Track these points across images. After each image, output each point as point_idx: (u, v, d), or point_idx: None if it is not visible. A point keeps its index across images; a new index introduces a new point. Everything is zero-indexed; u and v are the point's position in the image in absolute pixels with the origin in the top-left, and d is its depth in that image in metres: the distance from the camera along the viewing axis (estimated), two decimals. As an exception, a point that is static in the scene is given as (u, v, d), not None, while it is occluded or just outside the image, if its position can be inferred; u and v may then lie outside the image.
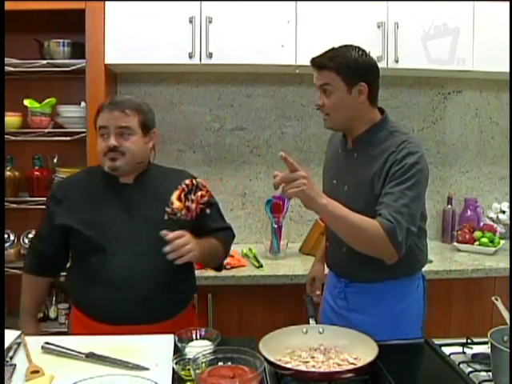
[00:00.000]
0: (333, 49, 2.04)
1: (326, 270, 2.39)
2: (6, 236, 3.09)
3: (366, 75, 2.02)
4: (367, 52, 2.06)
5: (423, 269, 2.21)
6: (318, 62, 2.02)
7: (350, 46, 2.05)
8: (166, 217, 2.06)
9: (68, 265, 2.27)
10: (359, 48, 2.04)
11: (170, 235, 1.95)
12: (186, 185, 2.12)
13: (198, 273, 2.75)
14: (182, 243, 1.95)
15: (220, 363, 1.54)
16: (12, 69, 2.97)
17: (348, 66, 1.98)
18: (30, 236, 3.04)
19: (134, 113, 2.09)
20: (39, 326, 2.34)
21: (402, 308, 2.10)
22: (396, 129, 2.08)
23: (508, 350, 1.41)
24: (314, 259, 2.58)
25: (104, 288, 2.04)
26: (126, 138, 2.07)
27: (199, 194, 2.14)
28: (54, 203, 2.18)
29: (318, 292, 2.41)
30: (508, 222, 3.43)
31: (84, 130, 2.96)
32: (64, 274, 2.29)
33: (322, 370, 1.58)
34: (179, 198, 2.09)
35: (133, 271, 2.04)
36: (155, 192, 2.15)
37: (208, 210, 2.18)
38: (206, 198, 2.17)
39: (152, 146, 2.20)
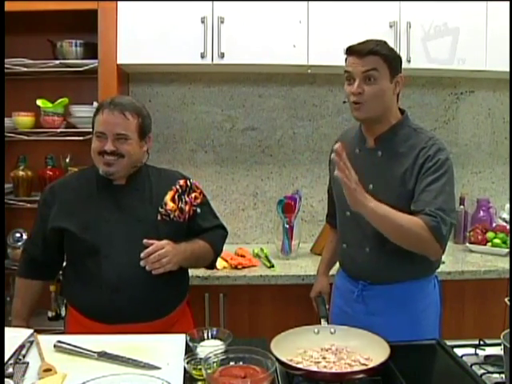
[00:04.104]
0: (370, 40, 2.02)
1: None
2: (18, 235, 3.12)
3: (401, 68, 2.06)
4: None
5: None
6: (365, 48, 1.98)
7: (380, 39, 2.05)
8: (159, 217, 2.10)
9: (63, 266, 2.27)
10: None
11: (148, 249, 1.99)
12: (180, 186, 2.15)
13: (209, 273, 2.77)
14: (156, 258, 1.99)
15: (231, 363, 1.54)
16: (25, 69, 2.98)
17: (393, 55, 2.02)
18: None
19: (133, 116, 2.09)
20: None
21: (422, 308, 2.10)
22: (418, 126, 2.11)
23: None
24: (317, 272, 2.52)
25: (99, 288, 2.04)
26: (122, 143, 2.07)
27: (193, 195, 2.18)
28: (46, 206, 2.16)
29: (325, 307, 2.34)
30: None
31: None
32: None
33: (333, 370, 1.57)
34: (173, 199, 2.12)
35: (127, 271, 2.04)
36: (148, 193, 2.16)
37: (198, 209, 2.20)
38: (198, 200, 2.20)
39: (146, 149, 2.20)
